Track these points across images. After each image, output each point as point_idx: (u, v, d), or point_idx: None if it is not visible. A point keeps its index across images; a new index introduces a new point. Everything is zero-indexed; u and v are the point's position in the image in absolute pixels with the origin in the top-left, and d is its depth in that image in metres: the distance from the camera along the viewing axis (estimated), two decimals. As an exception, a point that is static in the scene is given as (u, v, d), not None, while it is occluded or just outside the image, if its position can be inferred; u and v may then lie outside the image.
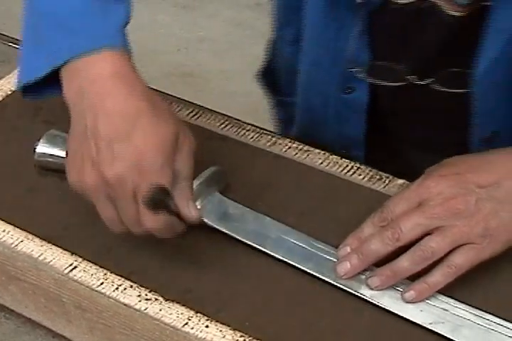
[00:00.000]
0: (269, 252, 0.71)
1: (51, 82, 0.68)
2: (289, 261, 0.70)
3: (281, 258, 0.71)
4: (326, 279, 0.69)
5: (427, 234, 0.66)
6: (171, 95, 0.90)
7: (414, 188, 0.69)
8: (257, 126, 0.85)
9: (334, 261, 0.70)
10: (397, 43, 0.79)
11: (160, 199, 0.63)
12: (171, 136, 0.65)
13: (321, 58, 0.83)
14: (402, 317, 0.66)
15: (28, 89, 0.70)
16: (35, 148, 0.79)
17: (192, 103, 0.90)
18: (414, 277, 0.67)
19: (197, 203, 0.74)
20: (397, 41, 0.79)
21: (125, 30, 0.68)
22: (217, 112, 0.88)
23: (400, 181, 0.78)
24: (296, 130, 0.95)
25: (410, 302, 0.67)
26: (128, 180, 0.62)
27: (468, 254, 0.66)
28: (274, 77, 0.98)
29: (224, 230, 0.73)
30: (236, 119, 0.86)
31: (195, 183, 0.73)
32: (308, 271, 0.70)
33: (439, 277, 0.66)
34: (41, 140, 0.78)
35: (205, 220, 0.73)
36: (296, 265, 0.70)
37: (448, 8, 0.73)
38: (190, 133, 0.68)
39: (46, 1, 0.69)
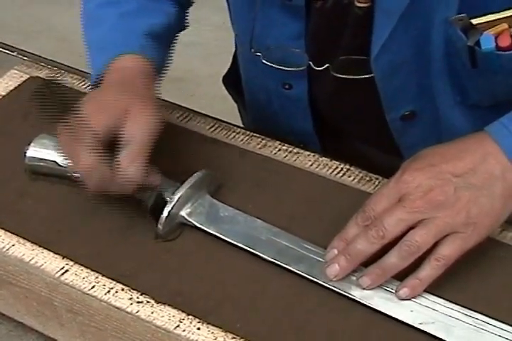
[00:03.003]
0: (260, 254, 0.71)
1: None
2: (280, 263, 0.71)
3: (271, 260, 0.71)
4: (317, 280, 0.69)
5: (411, 228, 0.67)
6: (163, 100, 0.90)
7: (392, 184, 0.70)
8: (246, 129, 0.86)
9: (325, 263, 0.70)
10: (328, 42, 0.84)
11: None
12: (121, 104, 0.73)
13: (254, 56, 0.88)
14: (392, 318, 0.67)
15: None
16: (25, 153, 0.79)
17: (182, 106, 0.90)
18: (403, 276, 0.67)
19: (187, 206, 0.74)
20: (327, 40, 0.84)
21: (148, 37, 0.82)
22: (207, 115, 0.88)
23: (390, 182, 0.78)
24: (254, 126, 0.99)
25: (404, 300, 0.67)
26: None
27: (454, 244, 0.67)
28: (234, 79, 1.02)
29: (215, 233, 0.73)
30: (226, 122, 0.87)
31: (186, 186, 0.74)
32: (299, 272, 0.70)
33: (429, 271, 0.67)
34: (31, 144, 0.79)
35: (196, 223, 0.74)
36: (287, 267, 0.70)
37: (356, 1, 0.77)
38: (155, 111, 0.74)
39: (88, 31, 0.87)
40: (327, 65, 0.83)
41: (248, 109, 1.01)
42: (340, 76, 0.83)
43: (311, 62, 0.84)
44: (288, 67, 0.86)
